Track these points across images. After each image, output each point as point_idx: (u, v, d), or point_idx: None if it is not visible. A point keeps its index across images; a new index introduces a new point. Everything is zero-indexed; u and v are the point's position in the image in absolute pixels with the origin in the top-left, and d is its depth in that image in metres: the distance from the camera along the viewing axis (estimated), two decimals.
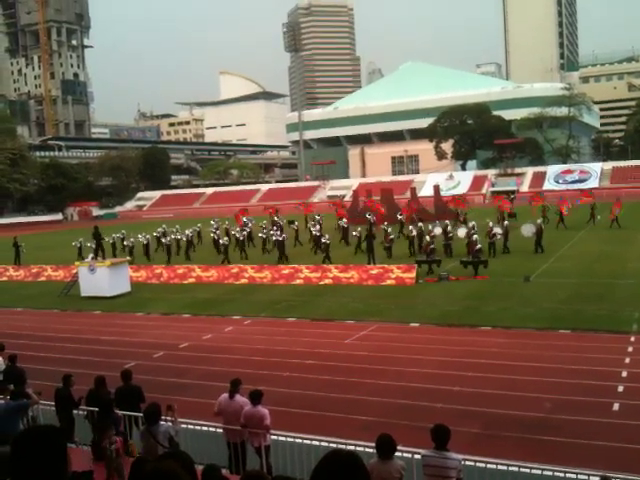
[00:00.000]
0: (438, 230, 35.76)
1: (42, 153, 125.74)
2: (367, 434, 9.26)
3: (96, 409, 9.70)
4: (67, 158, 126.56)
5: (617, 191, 78.40)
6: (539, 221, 35.71)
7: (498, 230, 34.42)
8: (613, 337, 17.31)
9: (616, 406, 12.47)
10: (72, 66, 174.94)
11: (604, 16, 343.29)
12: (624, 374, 14.25)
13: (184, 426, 9.63)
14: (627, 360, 15.20)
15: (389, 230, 36.08)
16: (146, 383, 14.45)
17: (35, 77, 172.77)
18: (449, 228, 36.32)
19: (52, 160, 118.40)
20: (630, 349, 16.05)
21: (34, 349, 19.47)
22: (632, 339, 16.92)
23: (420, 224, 37.95)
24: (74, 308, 27.27)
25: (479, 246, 29.64)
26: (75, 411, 10.70)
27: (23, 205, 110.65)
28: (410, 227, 37.56)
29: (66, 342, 20.77)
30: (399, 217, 46.02)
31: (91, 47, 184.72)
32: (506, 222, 37.38)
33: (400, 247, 36.07)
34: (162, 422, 8.91)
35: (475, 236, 30.64)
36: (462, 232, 35.83)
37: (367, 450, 8.15)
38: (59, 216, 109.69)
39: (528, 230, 35.15)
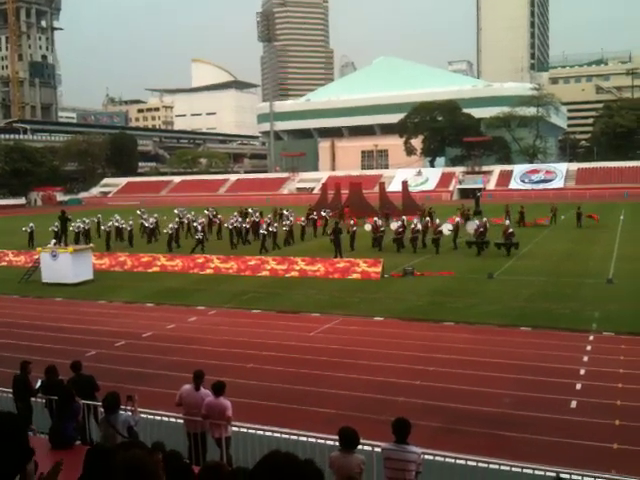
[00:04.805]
0: (448, 227, 36.06)
1: (6, 136, 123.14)
2: (329, 427, 9.27)
3: (55, 397, 9.56)
4: (32, 142, 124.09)
5: (582, 191, 79.80)
6: (485, 219, 36.21)
7: (448, 227, 35.96)
8: (573, 335, 17.58)
9: (574, 404, 12.68)
10: (41, 48, 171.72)
11: (575, 19, 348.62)
12: (582, 372, 14.50)
13: (144, 416, 9.52)
14: (585, 358, 15.47)
15: (399, 223, 36.85)
16: (107, 372, 14.32)
17: (2, 58, 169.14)
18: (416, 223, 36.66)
19: (17, 143, 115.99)
20: (589, 348, 16.33)
21: None
22: (591, 338, 17.22)
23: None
24: (35, 295, 26.75)
25: (511, 230, 33.00)
26: (33, 399, 10.53)
27: None
28: (380, 222, 38.06)
29: (26, 329, 20.41)
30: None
31: (61, 29, 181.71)
32: (457, 218, 38.76)
33: (364, 241, 36.38)
34: (122, 411, 8.81)
35: (507, 221, 35.91)
36: (471, 227, 35.94)
37: (328, 442, 8.18)
38: (22, 201, 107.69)
39: (471, 227, 35.66)
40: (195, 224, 40.34)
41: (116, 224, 43.10)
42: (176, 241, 38.95)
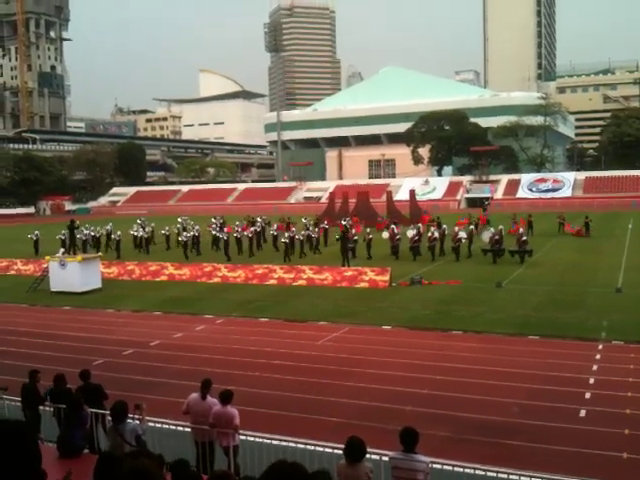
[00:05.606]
0: (462, 235, 36.03)
1: (16, 145, 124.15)
2: (336, 436, 9.24)
3: (63, 406, 9.58)
4: (41, 151, 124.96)
5: (589, 200, 79.59)
6: (500, 227, 36.25)
7: (463, 235, 35.91)
8: (582, 344, 17.49)
9: (583, 412, 12.60)
10: (49, 58, 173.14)
11: (582, 28, 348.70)
12: (591, 381, 14.42)
13: (152, 424, 9.53)
14: (595, 367, 15.38)
15: (414, 232, 36.81)
16: (115, 380, 14.34)
17: (12, 68, 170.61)
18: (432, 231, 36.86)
19: (26, 153, 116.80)
20: (598, 357, 16.24)
21: (1, 343, 19.18)
22: (600, 347, 17.12)
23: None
24: (43, 303, 26.82)
25: (524, 238, 33.73)
26: (41, 407, 10.55)
27: None
28: (392, 227, 38.33)
29: (34, 337, 20.46)
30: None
31: (69, 40, 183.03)
32: (471, 227, 39.52)
33: (381, 249, 36.38)
34: (129, 420, 8.81)
35: (521, 229, 36.46)
36: (486, 235, 35.95)
37: (336, 452, 8.14)
38: (31, 209, 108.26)
39: (486, 235, 35.91)
40: (213, 232, 41.79)
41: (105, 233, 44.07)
42: (196, 249, 40.03)
